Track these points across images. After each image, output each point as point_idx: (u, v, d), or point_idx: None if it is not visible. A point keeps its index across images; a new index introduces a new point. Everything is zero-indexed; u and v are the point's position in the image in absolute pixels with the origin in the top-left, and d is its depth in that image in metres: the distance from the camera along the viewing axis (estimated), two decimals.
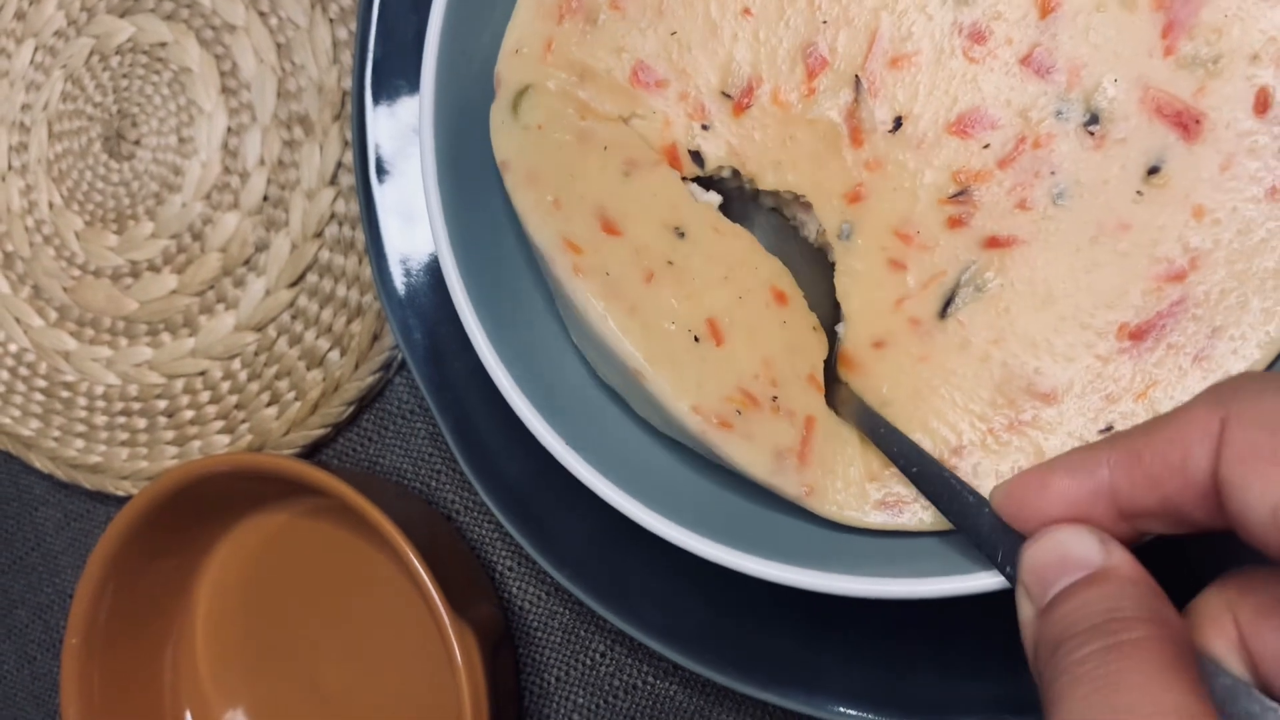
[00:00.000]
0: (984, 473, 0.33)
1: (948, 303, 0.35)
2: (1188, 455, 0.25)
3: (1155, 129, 0.33)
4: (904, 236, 0.35)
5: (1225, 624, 0.25)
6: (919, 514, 0.34)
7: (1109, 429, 0.32)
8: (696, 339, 0.36)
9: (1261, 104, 0.32)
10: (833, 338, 0.37)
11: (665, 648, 0.41)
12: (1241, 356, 0.32)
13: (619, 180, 0.37)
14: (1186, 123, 0.32)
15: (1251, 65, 0.32)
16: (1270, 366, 0.31)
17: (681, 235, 0.37)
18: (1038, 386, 0.33)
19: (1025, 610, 0.26)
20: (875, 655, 0.39)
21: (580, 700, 0.48)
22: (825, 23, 0.36)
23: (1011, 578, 0.27)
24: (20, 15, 0.57)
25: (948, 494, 0.30)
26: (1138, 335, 0.33)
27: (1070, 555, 0.26)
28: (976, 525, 0.29)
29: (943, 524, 0.34)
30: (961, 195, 0.34)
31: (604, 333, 0.35)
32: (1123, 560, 0.25)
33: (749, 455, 0.34)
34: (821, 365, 0.36)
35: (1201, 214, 0.32)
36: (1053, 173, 0.34)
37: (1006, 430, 0.33)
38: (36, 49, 0.57)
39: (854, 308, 0.36)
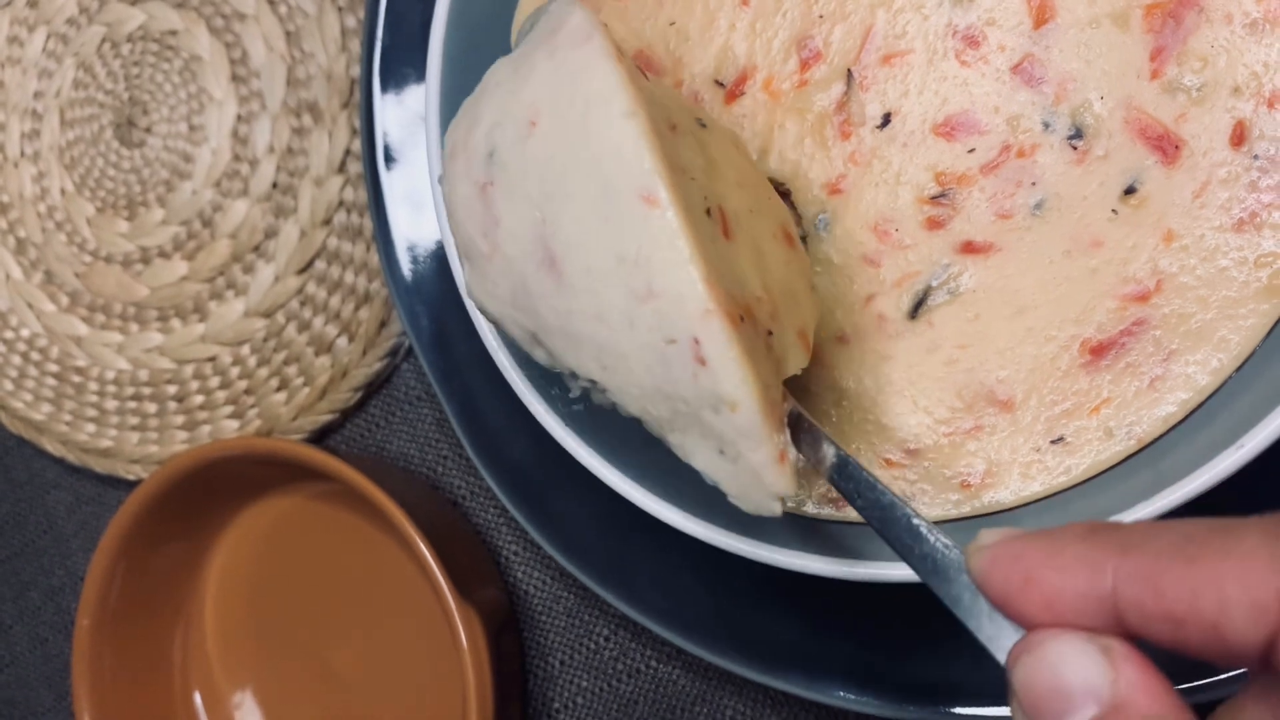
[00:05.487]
0: (935, 476, 0.34)
1: (919, 304, 0.35)
2: (1225, 618, 0.20)
3: (1136, 150, 0.33)
4: (881, 233, 0.35)
5: None
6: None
7: (1060, 440, 0.33)
8: (709, 212, 0.29)
9: (1238, 136, 0.32)
10: None
11: (668, 632, 0.41)
12: (1193, 381, 0.32)
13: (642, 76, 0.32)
14: (1166, 147, 0.33)
15: (1233, 97, 0.32)
16: (1215, 394, 0.32)
17: (703, 126, 0.33)
18: (997, 394, 0.34)
19: None
20: (876, 640, 0.40)
21: (584, 683, 0.48)
22: (821, 17, 0.36)
23: (997, 658, 0.24)
24: (33, 3, 0.58)
25: (919, 547, 0.27)
26: (1098, 352, 0.33)
27: (1068, 683, 0.21)
28: (956, 591, 0.25)
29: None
30: (942, 197, 0.35)
31: (621, 135, 0.27)
32: (1134, 683, 0.21)
33: (746, 385, 0.27)
34: (813, 327, 0.33)
35: (1171, 238, 0.33)
36: (1034, 183, 0.34)
37: (963, 435, 0.34)
38: (49, 36, 0.57)
39: (822, 299, 0.36)
